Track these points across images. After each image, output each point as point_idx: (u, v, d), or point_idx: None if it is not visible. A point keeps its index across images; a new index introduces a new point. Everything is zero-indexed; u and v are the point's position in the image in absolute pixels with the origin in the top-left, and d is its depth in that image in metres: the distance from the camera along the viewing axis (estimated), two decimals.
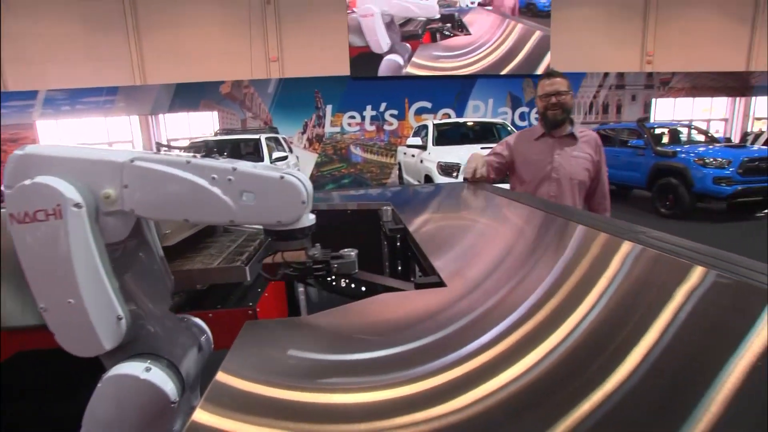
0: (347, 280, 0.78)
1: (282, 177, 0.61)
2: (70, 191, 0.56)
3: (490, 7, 11.89)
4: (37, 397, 1.08)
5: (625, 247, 0.74)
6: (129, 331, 0.64)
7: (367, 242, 1.41)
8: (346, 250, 0.76)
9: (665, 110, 13.40)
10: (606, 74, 12.78)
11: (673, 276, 0.60)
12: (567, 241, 0.87)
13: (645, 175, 7.29)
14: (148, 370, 0.62)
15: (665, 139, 8.21)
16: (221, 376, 0.40)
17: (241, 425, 0.33)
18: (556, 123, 2.01)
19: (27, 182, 0.56)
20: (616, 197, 8.92)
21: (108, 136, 12.19)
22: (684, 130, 8.63)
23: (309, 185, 0.66)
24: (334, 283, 0.79)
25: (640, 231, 0.83)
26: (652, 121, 12.05)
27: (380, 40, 11.64)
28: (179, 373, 0.66)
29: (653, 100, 13.16)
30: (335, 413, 0.35)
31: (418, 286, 0.61)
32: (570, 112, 2.04)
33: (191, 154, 0.65)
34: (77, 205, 0.57)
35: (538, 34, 11.99)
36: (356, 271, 0.74)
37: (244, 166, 0.61)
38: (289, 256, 0.70)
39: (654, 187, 7.13)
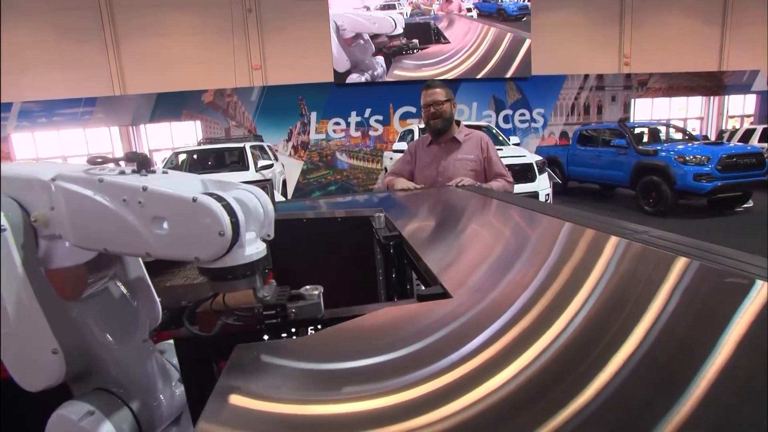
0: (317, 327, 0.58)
1: (194, 199, 0.47)
2: None
3: (472, 13, 12.03)
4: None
5: (630, 247, 0.72)
6: (75, 366, 0.57)
7: (358, 251, 1.37)
8: (308, 287, 0.59)
9: (644, 110, 13.76)
10: (586, 76, 13.05)
11: (678, 272, 0.59)
12: (568, 242, 0.85)
13: (628, 174, 7.42)
14: (90, 413, 0.55)
15: (645, 138, 8.40)
16: (213, 402, 0.36)
17: None
18: (438, 131, 2.16)
19: None
20: (601, 196, 9.08)
21: (87, 148, 11.90)
22: (663, 129, 8.84)
23: (255, 205, 0.54)
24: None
25: (642, 230, 0.81)
26: (632, 120, 12.33)
27: (338, 57, 11.47)
28: (135, 418, 0.58)
29: (632, 100, 13.50)
30: (337, 425, 0.33)
31: (422, 298, 0.57)
32: (450, 119, 2.17)
33: (118, 168, 0.55)
34: None
35: (509, 36, 12.19)
36: (322, 314, 0.57)
37: (158, 183, 0.50)
38: (232, 300, 0.56)
39: (637, 186, 7.25)
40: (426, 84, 2.19)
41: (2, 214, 0.51)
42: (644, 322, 0.45)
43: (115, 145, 11.99)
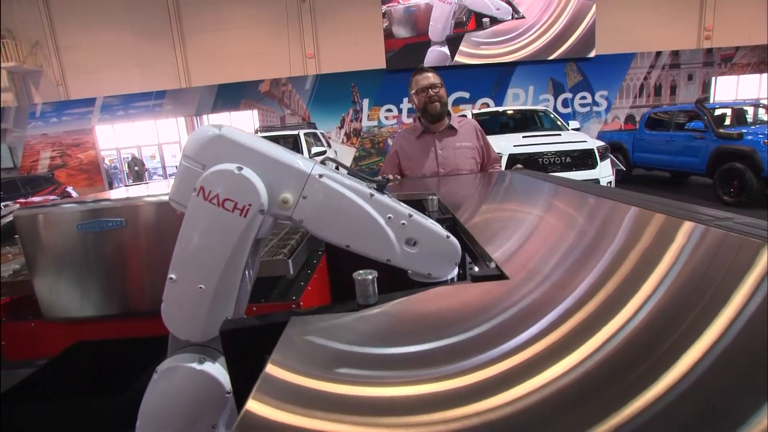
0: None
1: (448, 237, 0.64)
2: (264, 195, 0.57)
3: None
4: (93, 389, 1.12)
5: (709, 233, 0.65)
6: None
7: None
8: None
9: (727, 89, 12.35)
10: (658, 53, 11.93)
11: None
12: (636, 228, 0.79)
13: (705, 161, 6.73)
14: (202, 361, 0.62)
15: (728, 121, 7.55)
16: (271, 369, 0.37)
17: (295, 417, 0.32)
18: (436, 116, 2.05)
19: (233, 169, 0.57)
20: (671, 184, 8.34)
21: (158, 138, 12.88)
22: (751, 110, 7.88)
23: None
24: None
25: (726, 217, 0.73)
26: (711, 101, 11.13)
27: (443, 29, 11.47)
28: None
29: (713, 78, 12.15)
30: (389, 406, 0.32)
31: (476, 279, 0.56)
32: (446, 104, 2.08)
33: (371, 186, 0.65)
34: (262, 212, 0.58)
35: (594, 6, 11.33)
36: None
37: (417, 215, 0.63)
38: None
39: (715, 173, 6.57)
40: (418, 68, 2.11)
41: (261, 194, 0.57)
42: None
43: (181, 135, 12.86)
